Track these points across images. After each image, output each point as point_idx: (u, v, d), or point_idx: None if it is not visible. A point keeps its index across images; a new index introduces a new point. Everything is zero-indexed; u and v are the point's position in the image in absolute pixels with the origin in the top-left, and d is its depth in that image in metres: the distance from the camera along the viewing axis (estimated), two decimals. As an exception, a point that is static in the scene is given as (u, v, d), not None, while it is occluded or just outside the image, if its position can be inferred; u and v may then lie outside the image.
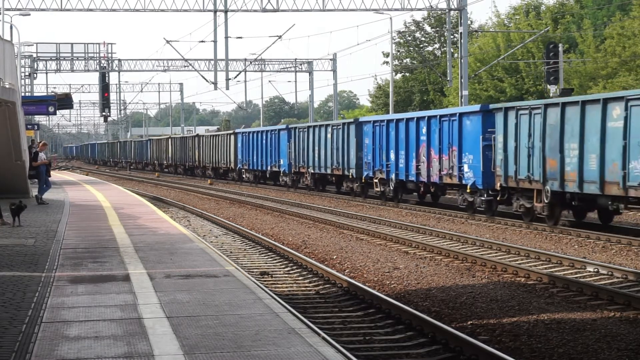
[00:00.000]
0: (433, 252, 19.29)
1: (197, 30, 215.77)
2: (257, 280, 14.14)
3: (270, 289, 13.83)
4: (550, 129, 22.80)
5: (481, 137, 26.87)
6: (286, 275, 16.51)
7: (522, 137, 24.22)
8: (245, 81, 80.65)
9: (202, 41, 55.35)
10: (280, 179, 48.45)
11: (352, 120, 39.14)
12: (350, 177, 38.11)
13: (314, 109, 77.78)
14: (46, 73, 77.83)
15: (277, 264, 17.98)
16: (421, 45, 75.19)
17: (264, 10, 45.68)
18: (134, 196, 34.01)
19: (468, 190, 27.55)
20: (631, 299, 12.92)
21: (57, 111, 51.19)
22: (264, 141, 51.11)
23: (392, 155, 33.22)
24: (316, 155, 42.29)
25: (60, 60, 75.38)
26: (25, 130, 37.06)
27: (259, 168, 51.87)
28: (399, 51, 75.81)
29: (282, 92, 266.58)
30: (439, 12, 59.91)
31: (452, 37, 53.11)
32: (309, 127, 44.39)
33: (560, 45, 46.15)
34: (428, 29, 74.73)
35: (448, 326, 11.11)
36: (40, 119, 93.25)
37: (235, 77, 59.17)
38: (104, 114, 66.62)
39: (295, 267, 17.34)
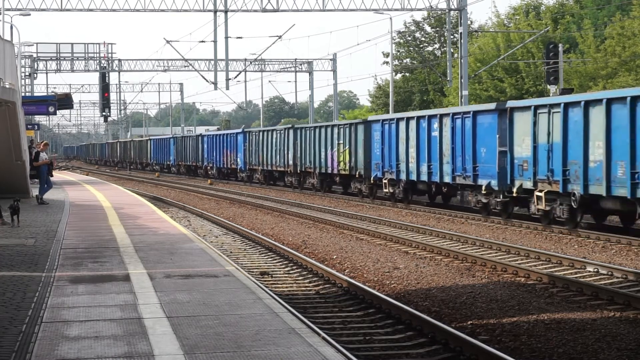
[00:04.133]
0: (433, 252, 19.29)
1: (197, 30, 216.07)
2: (257, 280, 14.15)
3: (270, 288, 13.84)
4: (265, 141, 50.43)
5: (243, 145, 54.56)
6: (286, 275, 16.51)
7: (259, 145, 51.46)
8: (245, 81, 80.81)
9: (202, 41, 55.38)
10: (171, 169, 77.42)
11: (198, 134, 69.44)
12: (198, 166, 68.18)
13: (314, 109, 77.79)
14: (46, 73, 77.86)
15: (277, 264, 17.99)
16: (421, 45, 75.17)
17: (264, 10, 45.69)
18: (134, 196, 34.02)
19: (239, 171, 56.79)
20: (631, 299, 12.93)
21: (57, 111, 51.21)
22: (164, 145, 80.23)
23: (214, 154, 62.66)
24: (186, 154, 71.35)
25: (60, 60, 75.37)
26: (26, 130, 37.04)
27: (162, 162, 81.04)
28: (399, 51, 75.80)
29: (282, 92, 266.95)
30: (439, 12, 59.91)
31: (452, 37, 53.11)
32: (183, 137, 74.28)
33: (560, 45, 46.14)
34: (428, 29, 74.73)
35: (448, 326, 11.11)
36: (40, 119, 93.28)
37: (235, 77, 59.21)
38: (104, 114, 66.61)
39: (295, 267, 17.34)
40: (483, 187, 26.20)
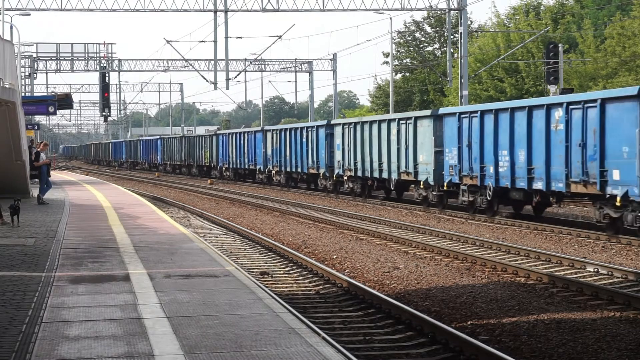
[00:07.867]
0: (433, 252, 19.29)
1: (197, 30, 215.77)
2: (257, 280, 14.14)
3: (270, 288, 13.84)
4: (172, 145, 73.81)
5: (161, 147, 77.66)
6: (286, 275, 16.51)
7: (169, 147, 76.23)
8: (245, 81, 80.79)
9: (202, 41, 55.36)
10: (123, 165, 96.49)
11: (137, 139, 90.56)
12: (138, 162, 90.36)
13: (314, 109, 77.80)
14: (46, 73, 77.89)
15: (277, 263, 17.99)
16: (421, 45, 75.18)
17: (264, 10, 45.69)
18: (134, 196, 34.01)
19: (159, 165, 79.70)
20: (631, 299, 12.93)
21: (57, 111, 51.18)
22: (119, 147, 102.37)
23: (146, 153, 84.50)
24: (131, 153, 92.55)
25: (60, 60, 75.37)
26: (26, 130, 37.03)
27: (118, 160, 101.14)
28: (399, 51, 75.80)
29: (282, 92, 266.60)
30: (439, 12, 59.90)
31: (452, 37, 53.11)
32: (130, 141, 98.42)
33: (560, 45, 46.13)
34: (428, 29, 74.74)
35: (448, 326, 11.11)
36: (40, 119, 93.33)
37: (235, 77, 59.21)
38: (104, 114, 66.58)
39: (295, 267, 17.34)
40: (257, 170, 49.97)
